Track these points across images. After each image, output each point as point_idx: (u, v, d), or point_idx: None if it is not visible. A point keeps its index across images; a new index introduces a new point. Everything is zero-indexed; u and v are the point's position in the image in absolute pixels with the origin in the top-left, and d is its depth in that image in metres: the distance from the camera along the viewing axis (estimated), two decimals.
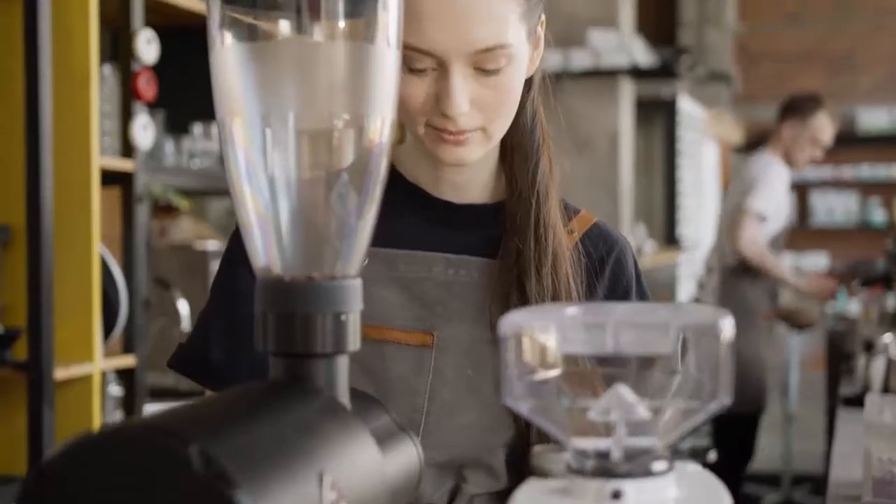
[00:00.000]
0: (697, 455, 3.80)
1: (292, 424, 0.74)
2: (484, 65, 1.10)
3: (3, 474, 2.52)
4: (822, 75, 10.08)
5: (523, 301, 1.16)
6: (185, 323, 2.99)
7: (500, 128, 1.16)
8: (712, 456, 3.85)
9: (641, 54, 5.46)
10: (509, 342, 0.71)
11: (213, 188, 3.13)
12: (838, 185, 10.02)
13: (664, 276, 6.65)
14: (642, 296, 1.26)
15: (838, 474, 2.12)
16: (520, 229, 1.19)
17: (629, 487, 0.65)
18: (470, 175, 1.23)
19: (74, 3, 2.50)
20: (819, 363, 6.07)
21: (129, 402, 2.79)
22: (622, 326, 0.70)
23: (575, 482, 0.67)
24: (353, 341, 0.80)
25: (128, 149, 2.70)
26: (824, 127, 4.09)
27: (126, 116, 2.69)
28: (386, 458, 0.78)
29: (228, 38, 0.79)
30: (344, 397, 0.80)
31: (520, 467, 1.17)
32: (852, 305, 7.28)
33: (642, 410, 0.71)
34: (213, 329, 1.22)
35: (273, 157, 0.79)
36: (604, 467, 0.67)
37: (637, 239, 6.11)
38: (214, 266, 3.18)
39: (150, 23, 2.80)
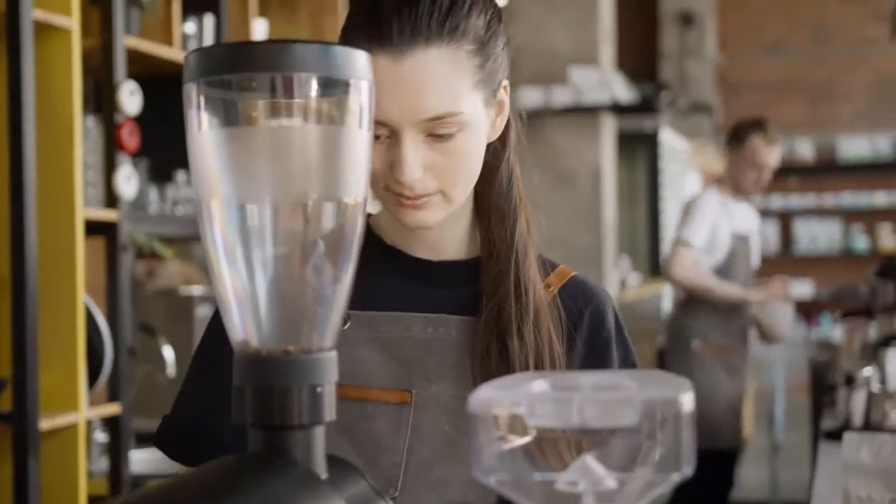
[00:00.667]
0: None
1: (267, 498, 0.76)
2: (436, 131, 1.13)
3: None
4: (803, 105, 10.18)
5: (505, 359, 1.18)
6: (171, 369, 3.00)
7: (460, 191, 1.18)
8: None
9: (622, 90, 5.52)
10: (479, 417, 0.74)
11: (197, 234, 3.15)
12: (821, 213, 10.10)
13: (650, 307, 6.69)
14: (624, 347, 1.28)
15: None
16: (500, 288, 1.21)
17: None
18: (444, 233, 1.26)
19: (58, 55, 2.53)
20: (805, 390, 6.10)
21: (115, 449, 2.80)
22: (588, 401, 0.73)
23: None
24: (329, 412, 0.82)
25: (112, 199, 2.72)
26: (760, 149, 4.06)
27: (110, 167, 2.72)
28: None
29: (206, 122, 0.82)
30: (320, 467, 0.82)
31: None
32: (836, 332, 7.33)
33: (609, 481, 0.73)
34: (195, 400, 1.25)
35: (249, 236, 0.82)
36: None
37: (621, 272, 6.15)
38: (200, 311, 3.20)
39: (132, 72, 2.83)
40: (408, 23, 1.10)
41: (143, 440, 2.94)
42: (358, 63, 0.82)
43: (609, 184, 5.69)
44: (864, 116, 10.04)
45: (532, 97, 5.38)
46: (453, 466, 1.18)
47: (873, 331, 4.22)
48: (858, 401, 2.93)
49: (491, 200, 1.24)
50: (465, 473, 1.18)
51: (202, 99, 0.81)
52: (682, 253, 3.98)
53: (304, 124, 0.82)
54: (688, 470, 0.71)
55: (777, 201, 10.17)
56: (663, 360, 4.29)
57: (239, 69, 0.81)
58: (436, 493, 1.18)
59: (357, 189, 0.83)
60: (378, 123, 1.12)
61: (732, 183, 4.11)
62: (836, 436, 2.99)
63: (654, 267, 7.00)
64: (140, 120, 2.81)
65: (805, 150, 10.12)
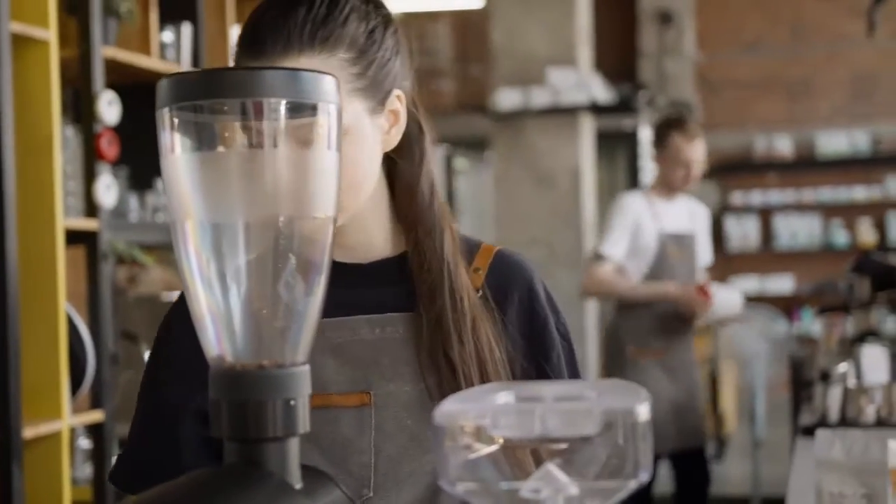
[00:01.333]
0: None
1: None
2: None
3: None
4: (782, 101, 10.24)
5: (450, 365, 1.21)
6: None
7: (350, 199, 1.19)
8: None
9: (600, 91, 5.56)
10: (444, 429, 0.76)
11: None
12: (801, 208, 10.16)
13: None
14: (556, 314, 1.31)
15: None
16: (436, 301, 1.23)
17: None
18: (367, 237, 1.28)
19: (36, 67, 2.55)
20: (786, 385, 6.15)
21: (99, 456, 2.82)
22: (550, 412, 0.76)
23: None
24: (303, 424, 0.85)
25: (92, 208, 2.74)
26: (682, 147, 4.03)
27: (89, 177, 2.74)
28: None
29: (178, 145, 0.84)
30: (295, 478, 0.85)
31: None
32: (816, 327, 7.39)
33: (572, 488, 0.77)
34: (148, 436, 1.26)
35: (223, 254, 0.85)
36: None
37: None
38: None
39: (110, 81, 2.85)
40: (282, 35, 1.13)
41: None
42: (325, 87, 0.85)
43: (588, 183, 5.73)
44: (842, 112, 10.11)
45: (511, 98, 5.41)
46: (420, 458, 1.21)
47: (850, 326, 4.27)
48: (834, 396, 2.96)
49: (415, 214, 1.27)
50: (431, 462, 1.22)
51: (175, 123, 0.84)
52: (593, 267, 4.02)
53: (275, 147, 0.84)
54: (644, 477, 0.74)
55: (757, 197, 10.23)
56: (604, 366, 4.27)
57: (210, 95, 0.84)
58: (408, 487, 1.21)
59: (327, 205, 0.86)
60: None
61: (663, 183, 4.10)
62: (812, 431, 3.03)
63: None
64: (119, 128, 2.83)
65: (784, 146, 10.19)
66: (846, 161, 9.99)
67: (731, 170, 10.20)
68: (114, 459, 2.84)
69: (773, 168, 10.17)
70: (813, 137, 10.10)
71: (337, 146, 0.87)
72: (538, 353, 1.29)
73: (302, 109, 0.85)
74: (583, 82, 5.44)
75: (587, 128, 5.74)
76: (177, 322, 1.26)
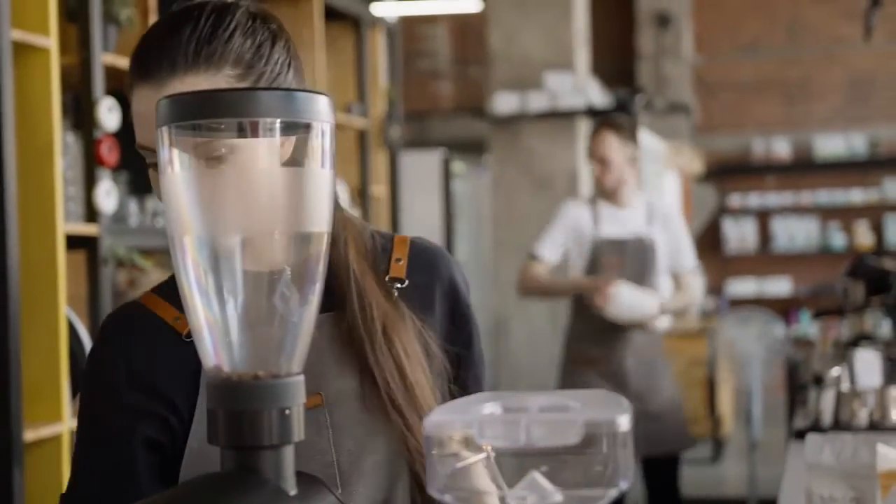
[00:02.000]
0: None
1: None
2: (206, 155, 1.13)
3: None
4: (779, 104, 10.28)
5: (368, 369, 1.23)
6: None
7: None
8: None
9: (597, 95, 5.59)
10: (433, 439, 0.79)
11: None
12: (798, 210, 10.20)
13: None
14: (467, 306, 1.34)
15: None
16: (348, 310, 1.24)
17: None
18: None
19: (37, 74, 2.58)
20: (782, 388, 6.18)
21: None
22: (534, 422, 0.79)
23: None
24: (298, 432, 0.88)
25: (92, 214, 2.77)
26: (590, 141, 4.05)
27: (90, 182, 2.77)
28: None
29: (177, 163, 0.87)
30: (290, 484, 0.88)
31: None
32: (813, 329, 7.41)
33: (556, 495, 0.80)
34: (93, 470, 1.24)
35: (220, 268, 0.88)
36: None
37: None
38: None
39: (110, 87, 2.88)
40: (167, 55, 1.15)
41: None
42: (319, 107, 0.88)
43: (585, 187, 5.76)
44: (839, 115, 10.15)
45: (508, 102, 5.44)
46: (378, 447, 1.23)
47: (846, 329, 4.29)
48: (827, 400, 2.99)
49: None
50: (388, 448, 1.23)
51: (174, 141, 0.87)
52: (525, 266, 4.05)
53: (270, 165, 0.88)
54: (625, 485, 0.77)
55: (754, 199, 10.27)
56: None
57: (208, 115, 0.87)
58: (370, 476, 1.23)
59: (321, 221, 0.89)
60: (151, 151, 1.18)
61: (596, 186, 4.11)
62: (805, 435, 3.05)
63: None
64: (119, 134, 2.86)
65: (782, 148, 10.22)
66: (843, 164, 10.03)
67: (728, 172, 10.24)
68: None
69: (770, 170, 10.21)
70: (810, 140, 10.13)
71: (331, 164, 0.89)
72: (461, 338, 1.32)
73: (297, 128, 0.88)
74: (580, 86, 5.47)
75: (584, 132, 5.77)
76: (109, 349, 1.24)
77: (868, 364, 3.29)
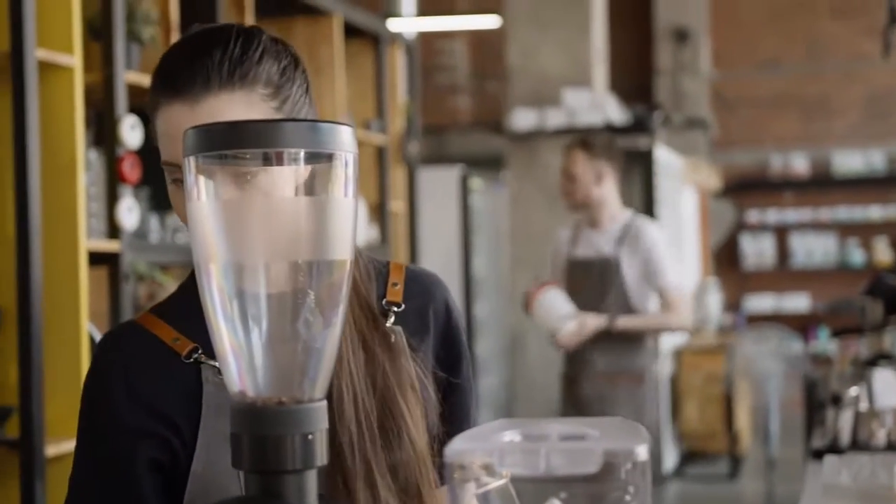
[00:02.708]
0: None
1: None
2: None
3: None
4: (797, 120, 10.27)
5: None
6: None
7: None
8: None
9: (615, 112, 5.60)
10: (453, 466, 0.81)
11: None
12: (817, 227, 10.17)
13: None
14: (460, 333, 1.35)
15: None
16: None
17: None
18: None
19: (61, 92, 2.61)
20: (800, 405, 6.15)
21: None
22: (554, 451, 0.80)
23: None
24: (321, 457, 0.89)
25: (114, 230, 2.80)
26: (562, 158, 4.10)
27: (112, 199, 2.79)
28: None
29: (203, 192, 0.89)
30: None
31: None
32: (832, 346, 7.38)
33: None
34: (91, 493, 1.23)
35: (245, 295, 0.89)
36: None
37: None
38: None
39: (132, 105, 2.91)
40: (200, 72, 1.16)
41: None
42: (343, 137, 0.90)
43: None
44: (858, 131, 10.13)
45: (526, 119, 5.46)
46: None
47: (864, 348, 4.27)
48: (845, 420, 2.98)
49: None
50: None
51: (200, 171, 0.89)
52: (529, 288, 4.10)
53: (295, 194, 0.89)
54: None
55: (772, 215, 10.25)
56: None
57: (234, 146, 0.88)
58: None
59: (344, 249, 0.91)
60: (177, 167, 1.18)
61: (566, 203, 4.13)
62: (823, 455, 3.05)
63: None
64: (140, 150, 2.89)
65: (800, 164, 10.21)
66: (862, 180, 10.01)
67: (746, 188, 10.23)
68: None
69: (789, 186, 10.19)
70: (829, 156, 10.12)
71: (354, 193, 0.91)
72: (452, 364, 1.32)
73: (320, 159, 0.90)
74: (598, 103, 5.48)
75: None
76: (107, 369, 1.25)
77: (887, 384, 3.29)
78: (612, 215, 3.97)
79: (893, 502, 2.01)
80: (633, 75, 9.68)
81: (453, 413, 1.30)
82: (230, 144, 0.88)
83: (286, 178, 0.88)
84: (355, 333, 1.25)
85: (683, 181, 8.18)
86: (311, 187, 0.89)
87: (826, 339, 9.61)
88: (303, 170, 0.89)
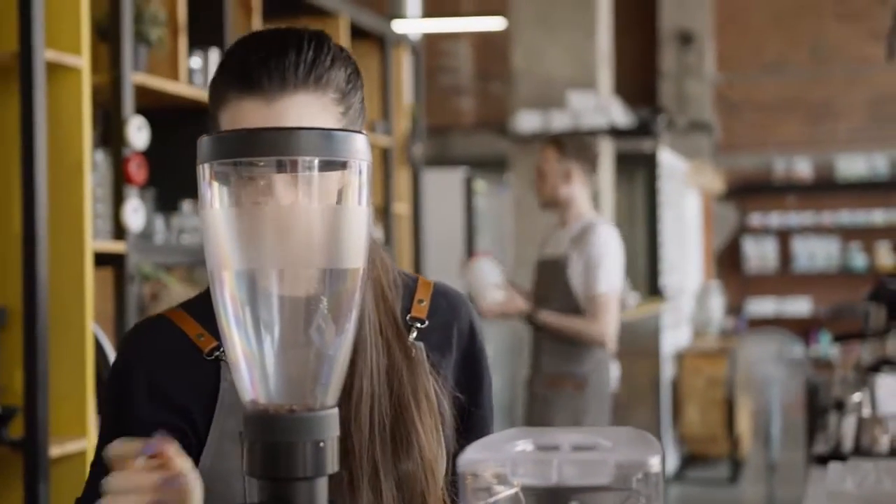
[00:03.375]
0: None
1: None
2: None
3: None
4: (801, 123, 10.26)
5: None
6: None
7: None
8: None
9: (619, 115, 5.60)
10: (466, 476, 0.81)
11: (201, 263, 3.23)
12: (819, 230, 10.17)
13: (648, 326, 6.75)
14: (482, 353, 1.36)
15: None
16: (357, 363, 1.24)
17: None
18: None
19: (69, 93, 2.61)
20: (801, 408, 6.14)
21: None
22: (566, 462, 0.80)
23: None
24: (332, 464, 0.90)
25: (120, 231, 2.80)
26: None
27: (118, 200, 2.80)
28: None
29: (217, 200, 0.89)
30: None
31: None
32: (833, 350, 7.38)
33: None
34: None
35: (257, 303, 0.90)
36: None
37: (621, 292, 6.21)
38: None
39: (139, 105, 2.91)
40: (276, 72, 1.18)
41: None
42: (356, 146, 0.90)
43: (608, 206, 5.76)
44: (862, 135, 10.12)
45: (531, 121, 5.46)
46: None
47: (867, 353, 4.27)
48: (849, 426, 2.98)
49: None
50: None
51: (215, 179, 0.89)
52: None
53: (308, 202, 0.90)
54: None
55: (775, 219, 10.24)
56: None
57: (248, 154, 0.89)
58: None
59: (357, 257, 0.91)
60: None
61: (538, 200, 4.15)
62: (826, 460, 3.04)
63: (653, 287, 7.07)
64: (148, 152, 2.89)
65: (803, 168, 10.20)
66: (865, 184, 10.01)
67: (749, 191, 10.22)
68: None
69: (792, 190, 10.18)
70: (832, 160, 10.11)
71: (367, 201, 0.91)
72: (473, 383, 1.33)
73: (334, 166, 0.90)
74: (602, 106, 5.48)
75: (607, 151, 5.78)
76: (130, 360, 1.26)
77: (890, 390, 3.28)
78: (577, 215, 3.97)
79: None
80: (638, 78, 9.68)
81: (469, 438, 1.30)
82: (245, 152, 0.89)
83: (300, 187, 0.89)
84: (380, 338, 1.26)
85: (687, 184, 8.19)
86: (324, 194, 0.90)
87: (827, 343, 9.60)
88: (317, 178, 0.90)
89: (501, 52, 7.57)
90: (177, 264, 3.19)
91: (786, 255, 10.30)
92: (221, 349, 1.22)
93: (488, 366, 1.37)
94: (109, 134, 2.88)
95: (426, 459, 1.22)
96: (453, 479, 1.25)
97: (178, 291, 3.61)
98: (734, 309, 9.90)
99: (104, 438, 1.26)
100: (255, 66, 1.18)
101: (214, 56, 3.24)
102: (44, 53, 2.51)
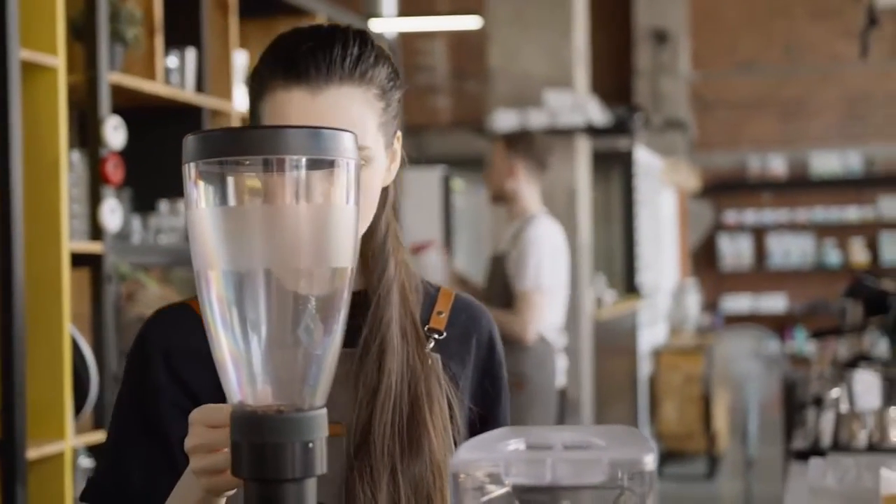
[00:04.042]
0: None
1: None
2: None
3: None
4: (775, 121, 10.31)
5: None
6: None
7: (362, 223, 1.23)
8: None
9: (596, 113, 5.60)
10: (459, 476, 0.80)
11: (179, 261, 3.21)
12: (794, 227, 10.22)
13: (625, 324, 6.77)
14: (500, 366, 1.36)
15: None
16: (368, 324, 1.26)
17: None
18: None
19: (44, 93, 2.59)
20: (778, 405, 6.18)
21: None
22: (559, 461, 0.80)
23: None
24: (321, 465, 0.89)
25: (96, 231, 2.78)
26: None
27: (95, 200, 2.77)
28: None
29: (203, 199, 0.88)
30: None
31: None
32: (809, 346, 7.43)
33: None
34: (130, 456, 1.25)
35: (244, 303, 0.89)
36: None
37: (596, 290, 6.23)
38: None
39: (115, 105, 2.89)
40: (323, 63, 1.18)
41: None
42: (344, 144, 0.89)
43: (584, 204, 5.77)
44: (836, 133, 10.18)
45: (508, 120, 5.45)
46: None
47: (843, 349, 4.30)
48: (827, 422, 3.00)
49: (371, 249, 1.29)
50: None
51: (200, 178, 0.88)
52: None
53: (295, 201, 0.89)
54: None
55: (750, 216, 10.30)
56: None
57: (234, 153, 0.88)
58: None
59: (345, 257, 0.90)
60: None
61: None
62: (805, 456, 3.06)
63: (630, 285, 7.09)
64: (125, 152, 2.87)
65: (778, 165, 10.25)
66: (839, 181, 10.07)
67: (724, 189, 10.27)
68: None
69: (766, 187, 10.23)
70: (806, 157, 10.17)
71: (355, 200, 0.90)
72: (490, 397, 1.33)
73: (322, 165, 0.89)
74: (579, 104, 5.48)
75: (583, 149, 5.78)
76: (149, 346, 1.26)
77: (867, 385, 3.30)
78: (522, 210, 4.00)
79: None
80: (613, 77, 9.70)
81: None
82: (230, 151, 0.88)
83: (287, 186, 0.88)
84: (402, 339, 1.26)
85: (663, 182, 8.21)
86: (311, 193, 0.89)
87: (803, 339, 9.66)
88: (304, 177, 0.89)
89: (477, 50, 7.57)
90: (154, 264, 3.17)
91: (761, 253, 10.36)
92: None
93: (507, 381, 1.36)
94: (86, 134, 2.86)
95: (435, 462, 1.23)
96: None
97: (154, 291, 3.59)
98: (710, 306, 9.94)
99: (124, 422, 1.26)
100: (303, 56, 1.19)
101: (191, 55, 3.22)
102: (19, 53, 2.48)
